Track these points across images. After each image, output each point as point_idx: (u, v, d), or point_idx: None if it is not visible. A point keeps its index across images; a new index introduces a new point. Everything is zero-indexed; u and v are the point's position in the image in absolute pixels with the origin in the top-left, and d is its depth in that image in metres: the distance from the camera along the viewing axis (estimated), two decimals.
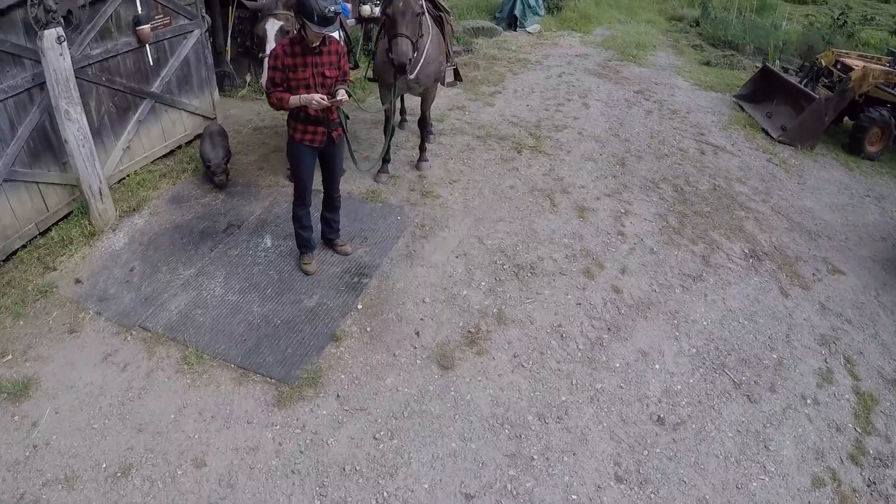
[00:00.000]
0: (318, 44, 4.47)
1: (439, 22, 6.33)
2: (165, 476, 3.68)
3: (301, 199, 5.05)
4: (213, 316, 4.89)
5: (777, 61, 12.59)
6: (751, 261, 5.98)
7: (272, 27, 5.29)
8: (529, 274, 5.37)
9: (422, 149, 6.88)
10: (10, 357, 4.44)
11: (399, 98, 6.83)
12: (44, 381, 4.25)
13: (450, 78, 7.07)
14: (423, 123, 6.70)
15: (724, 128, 8.89)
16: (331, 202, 5.30)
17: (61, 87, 5.19)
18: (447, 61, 6.66)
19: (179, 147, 7.07)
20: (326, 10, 4.21)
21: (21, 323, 4.74)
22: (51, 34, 4.94)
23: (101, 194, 5.77)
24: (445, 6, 6.67)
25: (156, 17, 6.36)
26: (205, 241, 5.71)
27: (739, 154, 8.12)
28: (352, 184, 6.49)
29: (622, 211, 6.36)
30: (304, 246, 5.30)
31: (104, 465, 3.72)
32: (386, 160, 6.66)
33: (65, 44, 5.06)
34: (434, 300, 5.06)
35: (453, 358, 4.53)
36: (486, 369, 4.48)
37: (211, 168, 6.29)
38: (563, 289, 5.25)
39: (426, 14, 5.93)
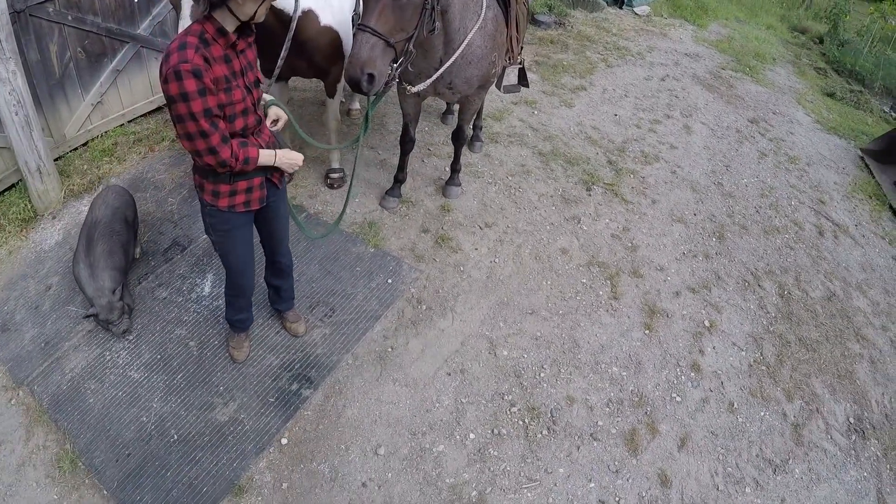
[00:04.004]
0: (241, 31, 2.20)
1: None
2: None
3: (238, 289, 2.87)
4: (105, 399, 3.08)
5: None
6: (853, 438, 3.50)
7: None
8: (545, 430, 3.07)
9: (454, 169, 4.38)
10: None
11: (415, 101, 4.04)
12: None
13: (510, 80, 4.42)
14: (459, 137, 4.14)
15: (848, 196, 6.02)
16: (276, 267, 3.06)
17: None
18: (510, 59, 4.00)
19: None
20: None
21: None
22: None
23: (40, 173, 3.89)
24: None
25: None
26: (140, 262, 3.73)
27: (862, 242, 5.33)
28: (342, 204, 4.21)
29: (706, 323, 3.87)
30: (235, 328, 3.15)
31: None
32: (400, 179, 4.25)
33: None
34: (392, 453, 2.87)
35: None
36: None
37: (97, 315, 3.15)
38: (587, 468, 2.97)
39: None
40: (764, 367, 3.72)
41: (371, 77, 2.72)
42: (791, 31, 12.62)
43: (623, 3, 9.83)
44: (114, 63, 4.45)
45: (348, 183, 3.60)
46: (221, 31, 2.11)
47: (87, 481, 2.77)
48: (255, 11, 2.12)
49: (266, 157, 2.38)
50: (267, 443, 2.89)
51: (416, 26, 2.86)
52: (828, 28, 12.17)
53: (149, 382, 3.13)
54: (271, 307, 3.37)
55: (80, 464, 2.82)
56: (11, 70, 3.52)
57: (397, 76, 2.99)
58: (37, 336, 3.33)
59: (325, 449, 2.89)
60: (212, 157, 2.18)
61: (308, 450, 2.88)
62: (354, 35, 2.76)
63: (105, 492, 2.73)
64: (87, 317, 3.14)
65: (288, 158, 2.46)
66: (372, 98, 3.06)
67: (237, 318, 3.07)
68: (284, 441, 2.90)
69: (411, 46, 2.92)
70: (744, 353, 3.77)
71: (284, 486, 2.74)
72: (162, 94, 4.42)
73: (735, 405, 3.45)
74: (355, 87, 2.75)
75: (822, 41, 11.94)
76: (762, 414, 3.46)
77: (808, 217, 5.35)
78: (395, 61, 2.87)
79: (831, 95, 9.20)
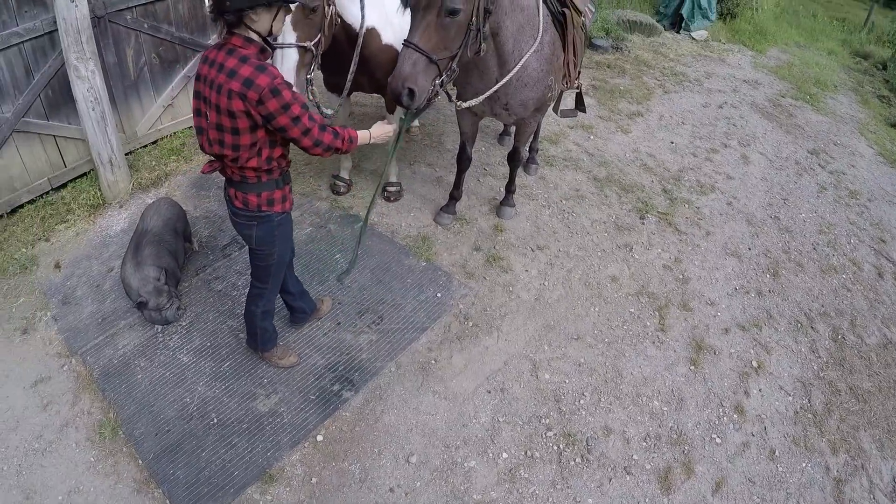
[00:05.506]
0: None
1: (561, 22, 3.49)
2: None
3: (278, 288, 2.89)
4: (153, 378, 3.13)
5: None
6: None
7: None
8: (579, 458, 2.93)
9: (508, 190, 4.26)
10: None
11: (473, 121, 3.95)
12: None
13: (567, 104, 4.22)
14: (515, 158, 4.01)
15: None
16: (292, 276, 3.13)
17: (71, 38, 3.60)
18: (567, 83, 3.80)
19: None
20: None
21: None
22: None
23: (111, 164, 4.04)
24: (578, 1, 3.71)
25: None
26: (198, 256, 3.79)
27: None
28: (399, 218, 4.13)
29: (754, 364, 3.61)
30: (273, 341, 3.13)
31: None
32: (456, 196, 4.16)
33: None
34: (423, 463, 2.81)
35: None
36: None
37: (147, 303, 3.17)
38: (617, 501, 2.81)
39: (538, 8, 3.22)
40: (810, 416, 3.44)
41: (412, 92, 2.67)
42: (853, 57, 11.73)
43: (680, 27, 9.41)
44: (185, 70, 4.56)
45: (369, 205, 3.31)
46: (263, 50, 2.20)
47: (124, 449, 2.82)
48: (271, 26, 2.19)
49: (366, 137, 2.56)
50: (303, 437, 2.88)
51: (461, 46, 2.78)
52: (891, 53, 11.25)
53: (196, 366, 3.16)
54: (300, 322, 3.38)
55: (121, 432, 2.88)
56: (91, 69, 3.72)
57: (440, 92, 2.90)
58: (95, 312, 3.44)
59: (359, 450, 2.85)
60: (321, 139, 2.29)
61: (342, 449, 2.85)
62: (403, 50, 2.70)
63: (140, 461, 2.78)
64: (138, 304, 3.18)
65: (382, 137, 2.66)
66: (409, 114, 2.98)
67: (273, 328, 3.05)
68: (320, 438, 2.87)
69: (455, 65, 2.83)
70: (791, 398, 3.50)
71: (314, 480, 2.72)
72: None
73: (776, 453, 3.20)
74: (397, 100, 2.71)
75: (885, 67, 11.00)
76: (804, 465, 3.19)
77: (867, 257, 4.95)
78: (439, 77, 2.79)
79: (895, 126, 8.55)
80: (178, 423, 2.91)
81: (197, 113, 2.32)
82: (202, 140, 2.35)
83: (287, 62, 2.85)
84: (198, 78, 2.25)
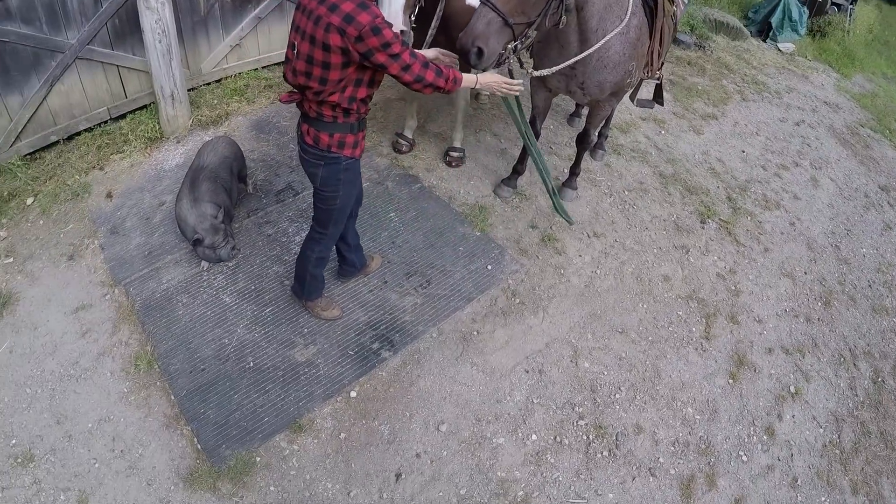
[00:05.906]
0: None
1: (652, 8, 3.30)
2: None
3: (338, 234, 2.82)
4: (193, 315, 3.11)
5: None
6: None
7: None
8: (606, 452, 2.90)
9: (573, 172, 4.12)
10: (11, 261, 3.27)
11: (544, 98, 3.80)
12: (20, 307, 3.06)
13: (645, 95, 4.00)
14: (584, 140, 3.86)
15: None
16: (352, 228, 3.04)
17: None
18: (648, 72, 3.59)
19: None
20: None
21: (41, 222, 3.50)
22: None
23: (172, 98, 3.94)
24: None
25: None
26: (251, 199, 3.72)
27: None
28: (458, 185, 4.03)
29: (792, 389, 3.50)
30: (320, 290, 3.07)
31: (13, 442, 2.58)
32: (519, 171, 4.05)
33: None
34: (453, 433, 2.79)
35: None
36: None
37: (203, 240, 3.13)
38: (637, 501, 2.78)
39: None
40: (838, 451, 3.35)
41: (480, 51, 2.53)
42: None
43: (767, 36, 8.91)
44: (257, 10, 4.41)
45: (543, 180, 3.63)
46: None
47: (158, 383, 2.81)
48: None
49: (471, 81, 2.49)
50: (336, 391, 2.86)
51: (540, 14, 2.61)
52: None
53: (238, 308, 3.11)
54: (347, 276, 3.33)
55: (156, 366, 2.86)
56: (161, 1, 3.59)
57: (513, 59, 2.76)
58: (142, 244, 3.40)
59: (390, 412, 2.84)
60: (425, 74, 2.23)
61: (373, 408, 2.84)
62: (479, 7, 2.57)
63: (172, 397, 2.76)
64: (194, 241, 3.10)
65: (489, 84, 2.58)
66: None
67: (322, 277, 2.99)
68: (353, 394, 2.87)
69: (531, 32, 2.66)
70: (822, 430, 3.40)
71: (342, 435, 2.72)
72: None
73: (798, 482, 3.12)
74: (464, 57, 2.58)
75: None
76: (823, 499, 3.11)
77: None
78: (512, 42, 2.63)
79: None
80: (213, 363, 2.90)
81: (290, 44, 2.26)
82: (287, 69, 2.30)
83: (395, 4, 2.74)
84: (297, 7, 2.18)
